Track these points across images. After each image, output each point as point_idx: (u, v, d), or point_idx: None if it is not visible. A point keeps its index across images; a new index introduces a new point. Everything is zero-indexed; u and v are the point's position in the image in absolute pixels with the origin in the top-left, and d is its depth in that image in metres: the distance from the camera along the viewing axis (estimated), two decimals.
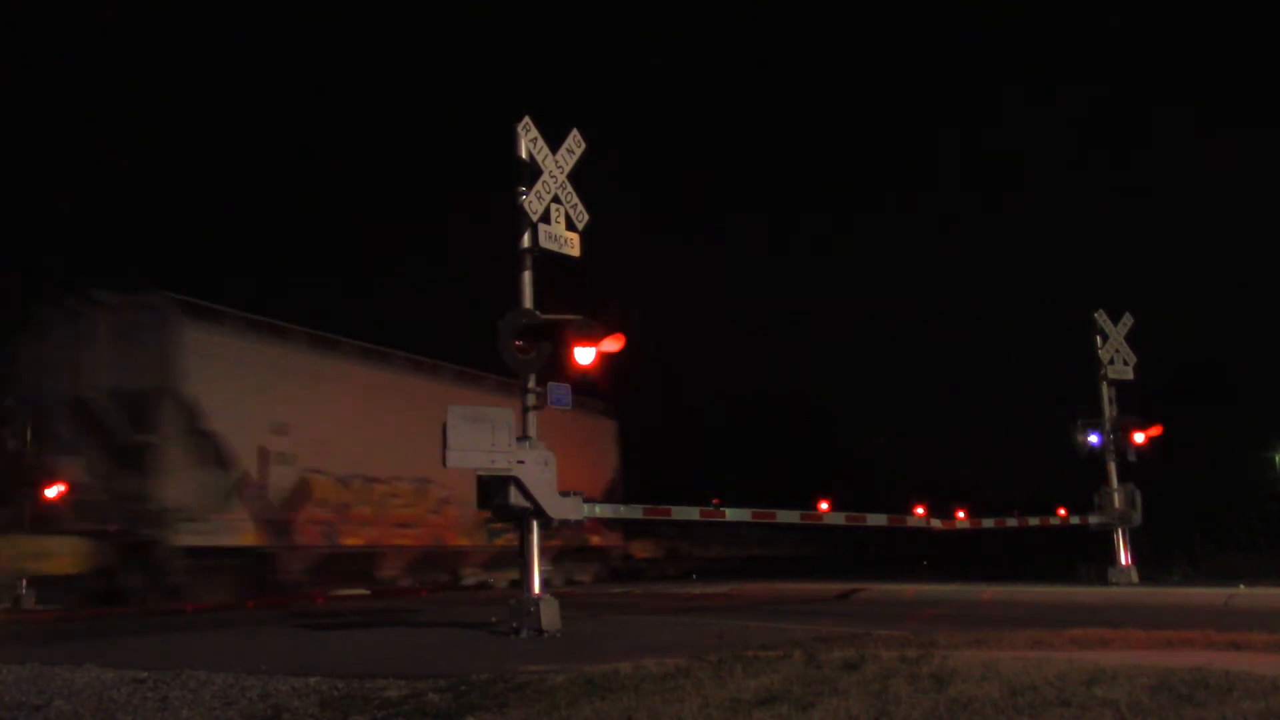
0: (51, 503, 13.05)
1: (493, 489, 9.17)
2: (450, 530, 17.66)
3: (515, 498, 9.09)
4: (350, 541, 15.36)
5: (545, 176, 9.80)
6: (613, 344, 9.45)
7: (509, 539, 17.48)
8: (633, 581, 21.18)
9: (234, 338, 14.30)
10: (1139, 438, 16.03)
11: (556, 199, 9.87)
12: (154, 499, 13.03)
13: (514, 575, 20.13)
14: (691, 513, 13.87)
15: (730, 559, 26.57)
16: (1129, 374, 16.60)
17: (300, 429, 14.74)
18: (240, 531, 13.99)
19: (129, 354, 13.14)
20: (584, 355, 9.29)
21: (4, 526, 12.83)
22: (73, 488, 13.17)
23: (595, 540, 21.22)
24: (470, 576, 18.40)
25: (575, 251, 9.99)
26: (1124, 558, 16.02)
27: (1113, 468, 16.30)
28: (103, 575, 12.99)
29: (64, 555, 12.60)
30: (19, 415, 13.55)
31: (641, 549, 23.76)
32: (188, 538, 13.26)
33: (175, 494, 13.28)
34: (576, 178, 10.08)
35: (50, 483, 12.97)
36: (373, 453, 15.75)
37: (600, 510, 10.30)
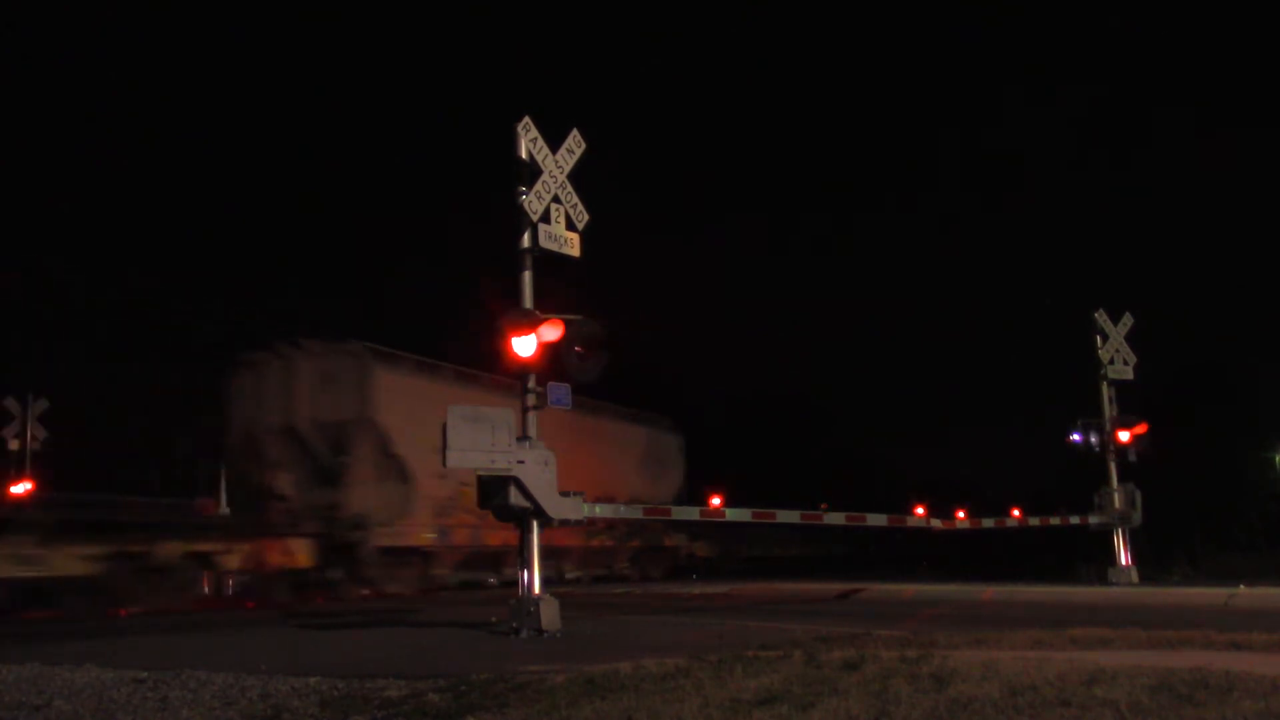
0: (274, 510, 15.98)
1: (493, 489, 9.18)
2: (556, 532, 19.47)
3: (515, 498, 9.09)
4: (488, 541, 17.99)
5: (545, 176, 9.80)
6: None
7: (602, 540, 21.45)
8: (686, 577, 22.81)
9: (408, 376, 17.28)
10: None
11: (556, 199, 9.88)
12: (348, 508, 15.73)
13: (599, 571, 22.12)
14: (691, 512, 13.93)
15: (774, 559, 28.69)
16: (1129, 374, 16.60)
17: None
18: (416, 534, 16.92)
19: (330, 391, 16.11)
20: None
21: (256, 531, 15.51)
22: (284, 499, 16.06)
23: (667, 541, 24.21)
24: (570, 571, 21.00)
25: (575, 251, 9.99)
26: (1124, 558, 16.02)
27: (1113, 468, 16.30)
28: (316, 570, 15.82)
29: (301, 553, 15.68)
30: (244, 441, 16.47)
31: (701, 548, 26.04)
32: (381, 539, 16.15)
33: (369, 503, 15.98)
34: (576, 178, 10.08)
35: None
36: None
37: (600, 510, 10.29)
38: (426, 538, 17.21)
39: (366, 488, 15.65)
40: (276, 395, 16.45)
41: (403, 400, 16.36)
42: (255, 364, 16.87)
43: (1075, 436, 16.37)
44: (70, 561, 13.54)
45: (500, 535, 17.11)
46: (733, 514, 13.46)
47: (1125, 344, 16.67)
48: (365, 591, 16.20)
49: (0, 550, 13.10)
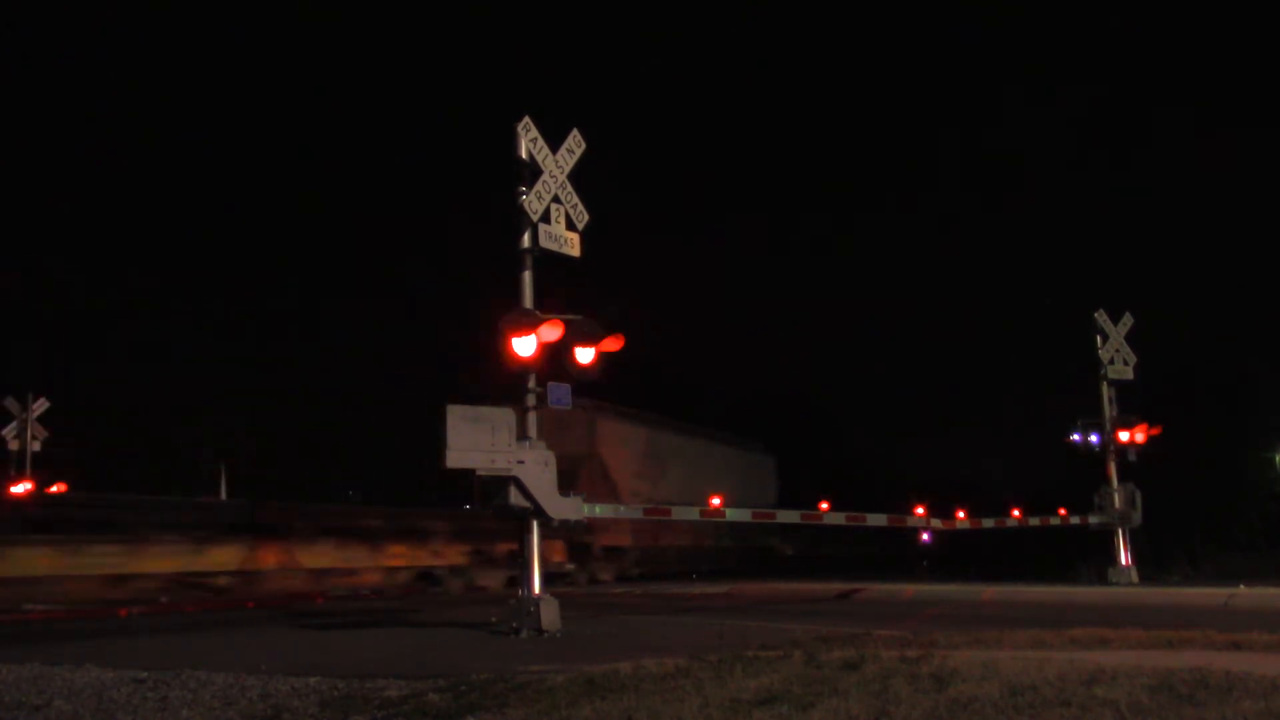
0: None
1: (493, 489, 9.18)
2: (704, 535, 25.93)
3: (515, 498, 9.09)
4: (665, 542, 23.99)
5: (545, 176, 9.80)
6: (612, 344, 9.46)
7: (716, 541, 26.36)
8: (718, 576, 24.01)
9: (616, 421, 22.85)
10: (1124, 435, 16.05)
11: (556, 199, 9.87)
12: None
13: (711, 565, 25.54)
14: (691, 513, 13.94)
15: (824, 556, 31.58)
16: (1129, 374, 16.61)
17: (645, 475, 23.45)
18: (621, 538, 22.16)
19: (565, 432, 19.52)
20: (584, 355, 9.30)
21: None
22: None
23: (773, 543, 29.97)
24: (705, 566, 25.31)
25: (575, 251, 9.99)
26: (1124, 558, 16.02)
27: (1113, 468, 16.30)
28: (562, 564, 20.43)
29: (559, 553, 20.20)
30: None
31: (787, 548, 30.54)
32: (602, 541, 21.33)
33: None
34: (576, 178, 10.07)
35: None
36: (676, 486, 23.97)
37: (600, 510, 10.30)
38: (626, 540, 22.46)
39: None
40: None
41: (613, 439, 22.42)
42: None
43: (1075, 436, 16.40)
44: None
45: (671, 538, 24.13)
46: (733, 514, 13.50)
47: (1125, 344, 16.67)
48: (604, 577, 21.31)
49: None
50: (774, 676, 5.19)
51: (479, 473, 9.11)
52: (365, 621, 11.61)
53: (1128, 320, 16.80)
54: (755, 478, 28.65)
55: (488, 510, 9.61)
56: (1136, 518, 16.13)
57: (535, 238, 9.64)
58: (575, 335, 9.35)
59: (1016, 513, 17.33)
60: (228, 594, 16.31)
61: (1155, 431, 16.12)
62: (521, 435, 9.23)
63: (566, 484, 17.70)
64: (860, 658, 5.66)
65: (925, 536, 24.49)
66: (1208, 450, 23.65)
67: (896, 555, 29.41)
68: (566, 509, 9.43)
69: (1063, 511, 17.14)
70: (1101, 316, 16.66)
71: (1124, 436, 16.10)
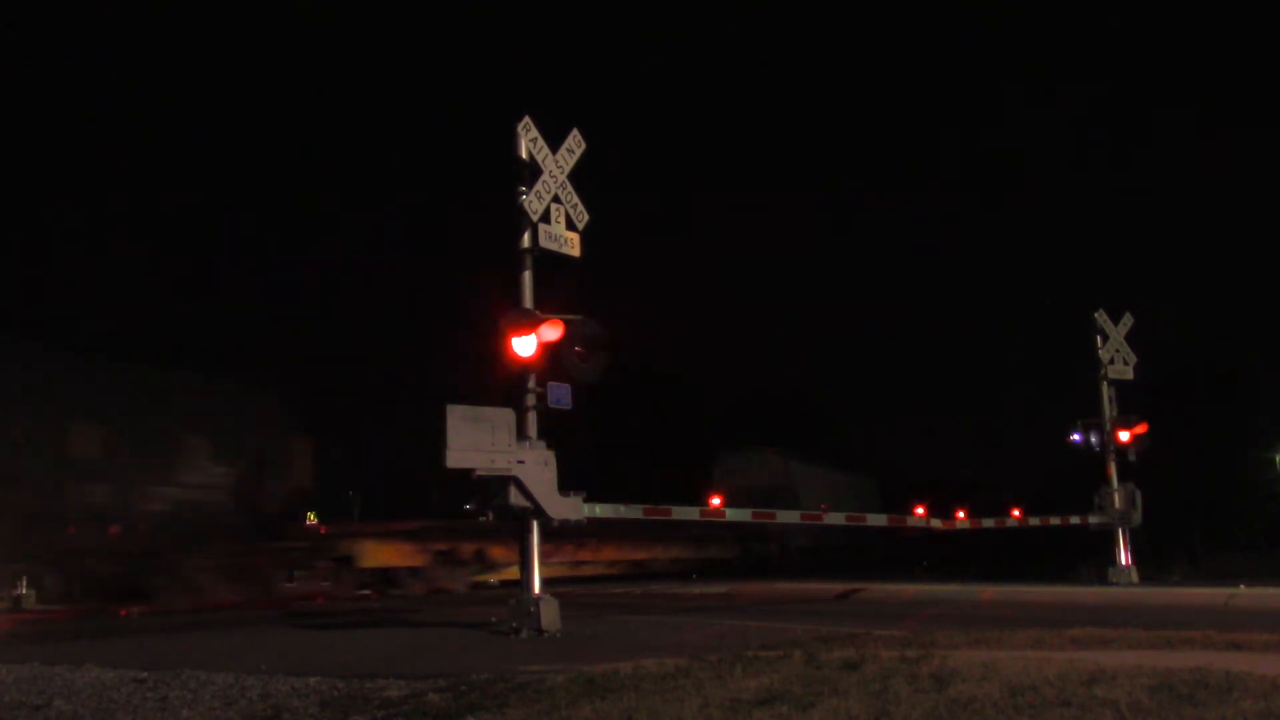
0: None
1: (493, 489, 9.17)
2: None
3: (515, 498, 9.08)
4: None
5: (545, 176, 9.79)
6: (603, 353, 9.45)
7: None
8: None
9: (802, 462, 29.53)
10: (1124, 435, 16.04)
11: (556, 199, 9.86)
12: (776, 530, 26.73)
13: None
14: (691, 512, 13.90)
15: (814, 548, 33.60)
16: (1129, 374, 16.60)
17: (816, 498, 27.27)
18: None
19: (762, 472, 27.85)
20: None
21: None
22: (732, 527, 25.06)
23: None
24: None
25: (575, 251, 9.98)
26: (1124, 558, 16.01)
27: (1113, 468, 16.29)
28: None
29: (727, 554, 26.28)
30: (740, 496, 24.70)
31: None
32: (799, 541, 28.12)
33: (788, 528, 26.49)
34: (576, 178, 10.06)
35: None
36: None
37: (600, 510, 10.28)
38: (803, 545, 28.36)
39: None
40: (744, 474, 27.76)
41: (801, 475, 28.74)
42: (739, 455, 29.09)
43: (1075, 436, 16.39)
44: None
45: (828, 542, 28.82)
46: (733, 514, 13.48)
47: (1125, 344, 16.66)
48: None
49: None
50: (774, 676, 5.19)
51: (479, 473, 9.10)
52: (365, 621, 11.60)
53: (1128, 320, 16.80)
54: (863, 496, 32.86)
55: (488, 510, 9.57)
56: (1136, 518, 16.12)
57: (535, 238, 9.63)
58: (575, 335, 9.35)
59: (1016, 513, 17.31)
60: None
61: (1140, 429, 16.11)
62: (521, 435, 9.22)
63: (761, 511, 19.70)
64: (860, 658, 5.66)
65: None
66: (1208, 450, 23.66)
67: (884, 556, 29.70)
68: (566, 509, 9.41)
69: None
70: (1101, 316, 16.65)
71: (1124, 436, 16.09)
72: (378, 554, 18.81)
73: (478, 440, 8.78)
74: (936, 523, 15.51)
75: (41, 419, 15.85)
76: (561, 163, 9.97)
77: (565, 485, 9.47)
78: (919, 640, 6.80)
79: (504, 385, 9.54)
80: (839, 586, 16.12)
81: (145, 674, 6.35)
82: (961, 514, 17.55)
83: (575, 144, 10.13)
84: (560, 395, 9.47)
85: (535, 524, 9.31)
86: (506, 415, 9.05)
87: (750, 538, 27.06)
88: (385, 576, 19.10)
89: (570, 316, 9.38)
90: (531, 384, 9.44)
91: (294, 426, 19.94)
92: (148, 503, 16.92)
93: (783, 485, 27.75)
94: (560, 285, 10.03)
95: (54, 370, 16.20)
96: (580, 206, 10.02)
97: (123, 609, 14.20)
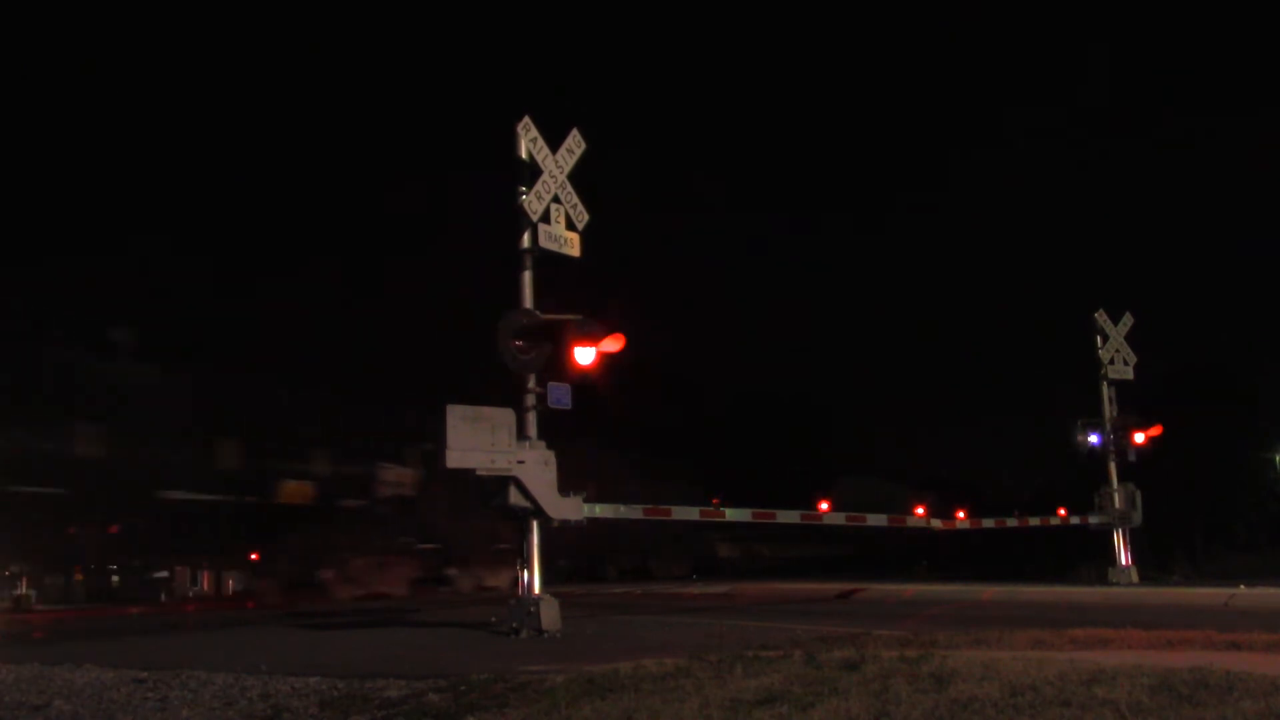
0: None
1: (493, 489, 9.16)
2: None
3: (515, 498, 9.08)
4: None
5: (545, 176, 9.78)
6: (613, 344, 9.44)
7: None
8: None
9: (858, 477, 31.71)
10: (1139, 438, 16.03)
11: (556, 199, 9.86)
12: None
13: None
14: (691, 513, 13.91)
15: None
16: (1129, 374, 16.60)
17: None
18: None
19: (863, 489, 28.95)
20: (584, 355, 9.29)
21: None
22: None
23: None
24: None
25: (575, 251, 9.97)
26: (1124, 558, 16.01)
27: (1113, 468, 16.29)
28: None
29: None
30: None
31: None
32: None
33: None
34: (576, 178, 10.06)
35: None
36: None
37: (600, 510, 10.27)
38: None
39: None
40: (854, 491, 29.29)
41: (854, 488, 29.50)
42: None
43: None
44: None
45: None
46: (733, 514, 13.47)
47: (1125, 344, 16.67)
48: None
49: None
50: (774, 676, 5.19)
51: (478, 473, 9.09)
52: (364, 621, 11.60)
53: (1128, 320, 16.80)
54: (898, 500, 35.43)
55: (487, 510, 9.57)
56: (1136, 518, 16.12)
57: (535, 238, 9.63)
58: (575, 335, 9.34)
59: (1016, 513, 17.32)
60: None
61: (1155, 431, 16.11)
62: (521, 435, 9.21)
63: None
64: (860, 658, 5.66)
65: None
66: (1208, 450, 23.64)
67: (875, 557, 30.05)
68: (566, 509, 9.41)
69: (1062, 511, 17.13)
70: (1101, 316, 16.65)
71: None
72: None
73: (478, 440, 8.78)
74: (936, 523, 15.50)
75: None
76: (561, 163, 9.97)
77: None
78: (919, 640, 6.79)
79: (503, 385, 9.54)
80: (839, 586, 16.13)
81: (145, 674, 6.35)
82: (961, 514, 17.57)
83: (575, 144, 10.13)
84: (560, 395, 9.47)
85: (535, 524, 9.31)
86: (506, 415, 9.05)
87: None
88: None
89: (570, 316, 9.38)
90: (531, 384, 9.44)
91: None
92: None
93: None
94: (560, 285, 10.03)
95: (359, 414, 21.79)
96: (580, 206, 10.02)
97: (130, 609, 14.22)
